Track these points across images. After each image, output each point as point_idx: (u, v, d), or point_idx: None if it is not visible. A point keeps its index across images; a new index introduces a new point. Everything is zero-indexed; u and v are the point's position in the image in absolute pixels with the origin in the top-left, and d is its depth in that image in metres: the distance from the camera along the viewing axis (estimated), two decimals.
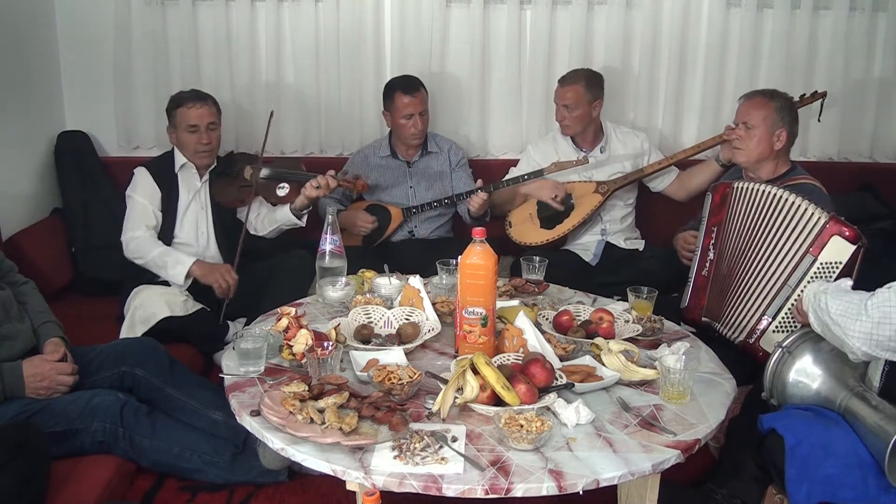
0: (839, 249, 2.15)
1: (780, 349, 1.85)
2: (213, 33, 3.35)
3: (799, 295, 2.18)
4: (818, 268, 2.18)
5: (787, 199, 2.27)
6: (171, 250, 2.78)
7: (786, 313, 2.24)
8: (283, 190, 2.96)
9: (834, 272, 2.15)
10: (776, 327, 2.26)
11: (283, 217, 2.94)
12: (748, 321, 2.31)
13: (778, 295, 2.25)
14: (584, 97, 3.02)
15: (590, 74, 3.06)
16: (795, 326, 2.21)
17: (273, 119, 2.98)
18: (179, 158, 2.87)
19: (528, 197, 3.17)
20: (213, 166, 2.93)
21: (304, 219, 2.96)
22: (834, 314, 1.67)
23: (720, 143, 2.98)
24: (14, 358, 2.01)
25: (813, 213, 2.20)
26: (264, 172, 2.97)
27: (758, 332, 2.28)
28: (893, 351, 1.60)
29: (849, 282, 1.79)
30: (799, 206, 2.23)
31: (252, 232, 2.96)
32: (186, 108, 2.80)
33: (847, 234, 2.13)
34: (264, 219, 2.98)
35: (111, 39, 3.32)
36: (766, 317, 2.27)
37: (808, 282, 2.18)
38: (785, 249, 2.24)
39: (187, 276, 2.75)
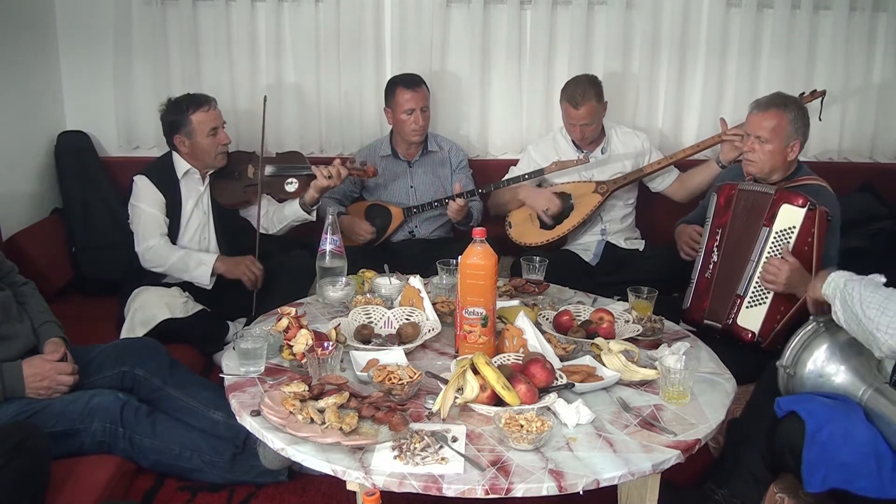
0: (790, 216, 2.29)
1: (816, 322, 1.84)
2: (213, 33, 3.35)
3: (764, 264, 2.31)
4: (774, 237, 2.31)
5: (766, 193, 2.37)
6: (189, 252, 2.75)
7: (755, 286, 2.34)
8: (291, 186, 2.92)
9: (791, 238, 2.29)
10: (749, 303, 2.36)
11: (293, 213, 2.90)
12: (728, 306, 2.40)
13: (744, 271, 2.36)
14: (597, 109, 3.01)
15: (595, 84, 3.01)
16: (767, 296, 2.33)
17: (268, 111, 2.91)
18: (182, 165, 2.80)
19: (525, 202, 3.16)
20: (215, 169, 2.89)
21: (314, 213, 2.92)
22: (867, 306, 1.63)
23: (719, 143, 2.99)
24: (14, 358, 2.01)
25: (767, 191, 2.34)
26: (268, 170, 2.92)
27: (734, 312, 2.37)
28: None
29: (882, 278, 1.74)
30: (764, 192, 2.36)
31: (261, 230, 2.94)
32: (203, 113, 2.73)
33: (794, 200, 2.27)
34: (273, 216, 2.94)
35: (111, 39, 3.32)
36: (738, 296, 2.36)
37: (768, 253, 2.31)
38: (754, 232, 2.37)
39: (212, 276, 2.74)
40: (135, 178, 2.78)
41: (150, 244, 2.71)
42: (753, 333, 2.35)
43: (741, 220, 2.44)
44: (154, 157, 2.95)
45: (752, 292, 2.36)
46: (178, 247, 2.76)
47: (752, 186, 2.45)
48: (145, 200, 2.74)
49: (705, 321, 2.46)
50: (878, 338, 1.60)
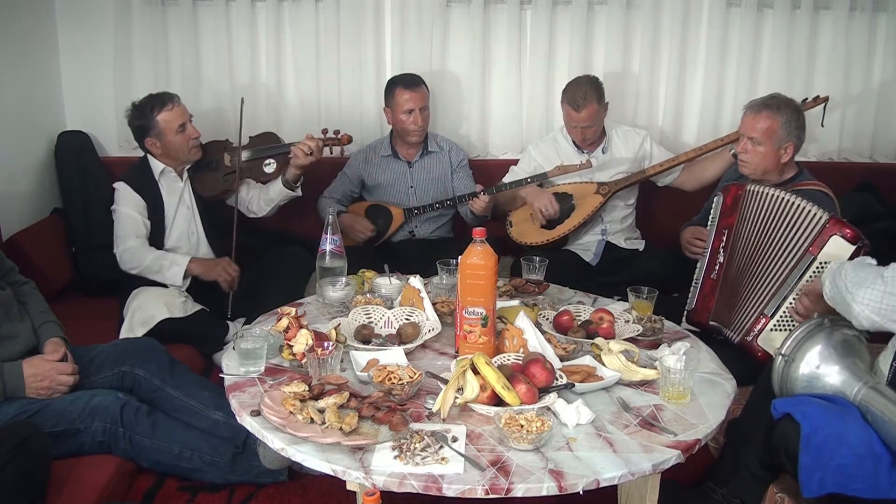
0: (839, 249, 2.16)
1: (780, 356, 1.84)
2: (213, 33, 3.35)
3: (798, 294, 2.19)
4: (817, 266, 2.19)
5: (793, 203, 2.28)
6: (164, 254, 2.76)
7: (784, 312, 2.25)
8: (270, 166, 2.93)
9: None
10: (774, 325, 2.27)
11: (278, 193, 2.91)
12: (749, 320, 2.32)
13: (777, 293, 2.26)
14: (598, 112, 3.00)
15: (597, 86, 3.00)
16: (793, 325, 2.22)
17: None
18: (157, 165, 2.81)
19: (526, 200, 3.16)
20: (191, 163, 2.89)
21: (299, 188, 2.93)
22: (849, 279, 1.70)
23: (732, 142, 2.95)
24: (14, 358, 2.01)
25: (814, 213, 2.22)
26: (245, 154, 2.93)
27: (756, 331, 2.30)
28: None
29: (872, 260, 1.79)
30: (803, 207, 2.26)
31: (251, 215, 2.94)
32: (168, 112, 2.73)
33: (847, 234, 2.15)
34: (259, 199, 2.95)
35: (111, 39, 3.32)
36: (764, 315, 2.28)
37: (808, 281, 2.20)
38: (787, 248, 2.26)
39: (186, 277, 2.74)
40: (115, 185, 2.81)
41: (126, 245, 2.73)
42: (769, 355, 2.25)
43: (761, 226, 2.35)
44: (128, 169, 2.92)
45: (780, 317, 2.25)
46: (154, 249, 2.76)
47: (767, 190, 2.37)
48: (124, 204, 2.77)
49: (711, 322, 2.44)
50: (853, 308, 1.67)
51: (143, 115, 2.74)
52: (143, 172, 2.82)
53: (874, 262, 1.78)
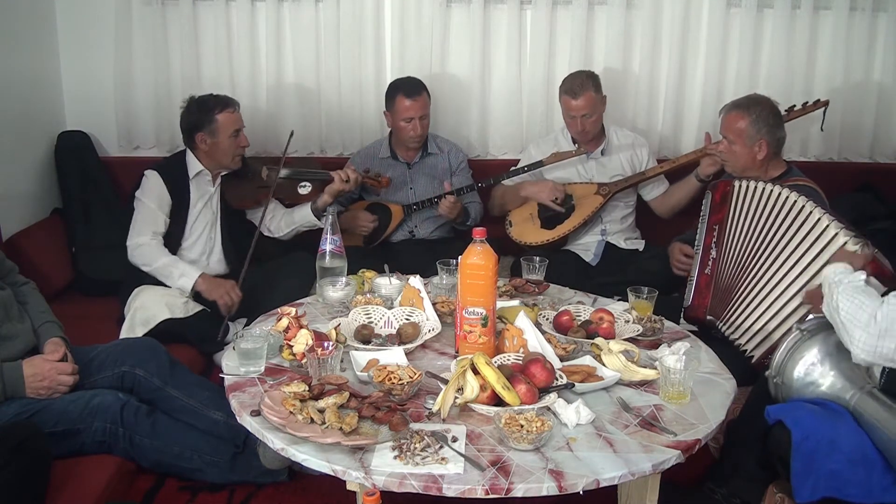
0: None
1: (799, 331, 1.85)
2: (213, 33, 3.35)
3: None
4: None
5: (810, 211, 2.21)
6: (176, 260, 2.75)
7: None
8: (304, 189, 2.95)
9: None
10: None
11: (303, 218, 2.93)
12: (761, 333, 2.27)
13: (792, 316, 2.20)
14: (596, 101, 3.01)
15: (593, 77, 3.04)
16: None
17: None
18: (195, 165, 2.82)
19: (529, 198, 3.17)
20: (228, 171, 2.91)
21: (323, 220, 2.95)
22: (843, 316, 1.67)
23: (702, 157, 2.97)
24: (14, 358, 2.01)
25: (847, 244, 2.10)
26: (283, 172, 2.95)
27: (770, 353, 2.25)
28: (893, 361, 1.61)
29: (862, 275, 1.77)
30: (827, 225, 2.16)
31: (268, 234, 2.94)
32: (229, 114, 2.78)
33: (884, 271, 2.05)
34: (280, 220, 2.96)
35: (111, 39, 3.32)
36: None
37: None
38: (811, 271, 2.17)
39: (193, 288, 2.75)
40: (146, 171, 2.81)
41: (140, 241, 2.73)
42: None
43: (756, 219, 2.33)
44: (153, 158, 2.97)
45: None
46: (168, 252, 2.76)
47: (757, 184, 2.36)
48: (149, 196, 2.77)
49: (708, 317, 2.45)
50: (849, 346, 1.66)
51: (203, 110, 2.78)
52: (177, 168, 2.83)
53: (863, 277, 1.76)
